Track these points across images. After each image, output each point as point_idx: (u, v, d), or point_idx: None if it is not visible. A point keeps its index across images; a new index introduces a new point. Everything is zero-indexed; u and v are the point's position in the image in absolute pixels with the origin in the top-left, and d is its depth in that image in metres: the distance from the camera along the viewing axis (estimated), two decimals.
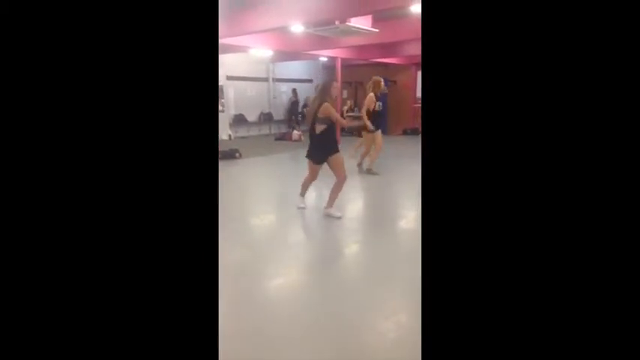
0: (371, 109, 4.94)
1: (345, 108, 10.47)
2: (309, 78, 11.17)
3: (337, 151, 3.36)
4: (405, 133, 10.08)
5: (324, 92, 3.25)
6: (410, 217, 3.80)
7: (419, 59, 9.36)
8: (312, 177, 3.58)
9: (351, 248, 3.00)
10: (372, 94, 4.95)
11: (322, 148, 3.32)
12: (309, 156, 3.44)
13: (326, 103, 3.21)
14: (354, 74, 10.74)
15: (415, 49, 8.09)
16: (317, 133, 3.27)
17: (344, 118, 10.11)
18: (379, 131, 5.04)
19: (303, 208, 3.73)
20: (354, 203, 4.22)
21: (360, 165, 5.29)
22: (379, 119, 5.04)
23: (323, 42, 6.70)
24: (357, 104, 10.89)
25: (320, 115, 3.20)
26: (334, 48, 7.43)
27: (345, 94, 10.78)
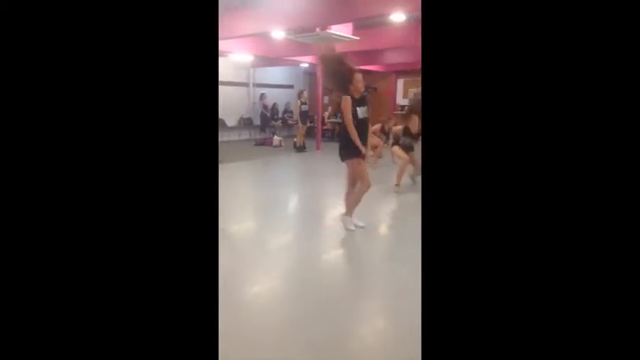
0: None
1: (327, 114, 10.52)
2: (290, 84, 11.18)
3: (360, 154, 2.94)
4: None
5: (343, 82, 2.80)
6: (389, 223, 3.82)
7: (399, 67, 9.51)
8: (367, 183, 2.99)
9: (330, 254, 2.99)
10: (414, 116, 4.61)
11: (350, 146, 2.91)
12: (348, 155, 2.95)
13: (346, 97, 2.81)
14: None
15: (395, 57, 8.22)
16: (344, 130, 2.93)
17: (324, 124, 10.12)
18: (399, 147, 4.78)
19: (363, 226, 3.20)
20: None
21: (412, 177, 4.97)
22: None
23: (304, 48, 6.72)
24: (340, 110, 10.97)
25: (341, 105, 2.85)
26: (315, 54, 7.46)
27: (326, 100, 10.84)
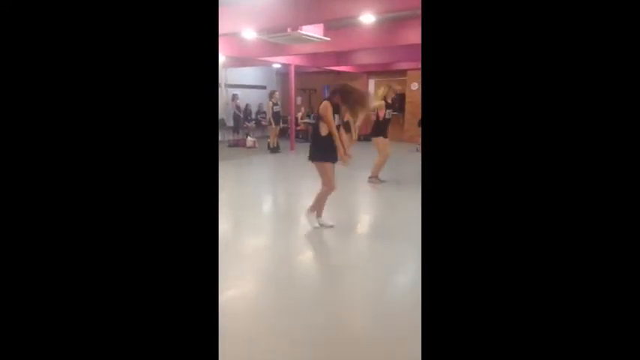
0: (380, 117, 4.77)
1: (300, 114, 10.53)
2: (262, 84, 11.11)
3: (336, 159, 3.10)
4: (358, 139, 10.32)
5: (332, 94, 3.02)
6: (365, 222, 3.88)
7: (370, 68, 9.64)
8: (330, 185, 3.10)
9: (306, 255, 3.00)
10: (382, 102, 4.76)
11: (330, 149, 3.03)
12: (318, 158, 3.05)
13: (325, 102, 2.98)
14: (308, 81, 10.83)
15: (366, 58, 8.32)
16: (323, 135, 3.02)
17: (297, 125, 10.07)
18: (386, 139, 4.88)
19: (332, 225, 3.28)
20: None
21: (375, 176, 5.05)
22: (385, 127, 4.87)
23: (276, 49, 6.70)
24: (312, 110, 11.01)
25: (320, 112, 3.00)
26: (287, 55, 7.46)
27: (298, 100, 10.85)
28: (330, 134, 3.01)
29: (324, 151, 3.05)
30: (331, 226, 3.28)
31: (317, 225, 3.27)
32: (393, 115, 5.05)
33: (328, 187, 3.12)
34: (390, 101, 4.87)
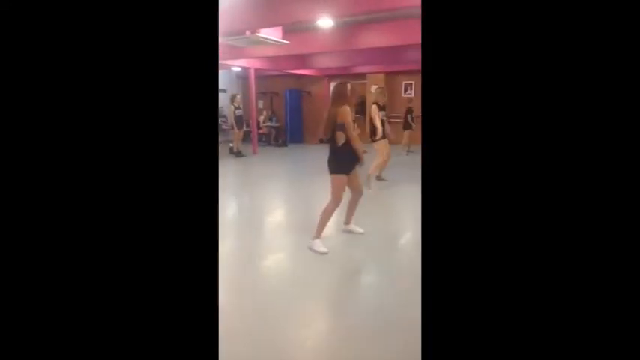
0: (376, 119, 4.69)
1: (262, 118, 10.45)
2: (222, 88, 10.93)
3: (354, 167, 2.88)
4: (321, 142, 10.37)
5: (339, 95, 2.77)
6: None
7: (330, 71, 9.75)
8: (338, 200, 2.85)
9: (277, 256, 2.98)
10: (374, 105, 4.72)
11: (349, 158, 2.82)
12: (336, 170, 2.81)
13: (345, 107, 2.71)
14: (269, 84, 10.79)
15: (326, 62, 8.42)
16: (339, 145, 2.74)
17: (259, 128, 9.92)
18: (386, 141, 4.82)
19: (326, 252, 2.84)
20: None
21: (379, 177, 5.08)
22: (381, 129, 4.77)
23: (236, 52, 6.63)
24: (274, 114, 10.97)
25: (339, 120, 2.71)
26: (247, 58, 7.39)
27: (260, 104, 10.77)
28: (346, 143, 2.75)
29: (341, 162, 2.81)
30: (325, 253, 2.84)
31: (324, 250, 2.85)
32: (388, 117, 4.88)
33: (336, 201, 2.86)
34: (381, 104, 4.82)
